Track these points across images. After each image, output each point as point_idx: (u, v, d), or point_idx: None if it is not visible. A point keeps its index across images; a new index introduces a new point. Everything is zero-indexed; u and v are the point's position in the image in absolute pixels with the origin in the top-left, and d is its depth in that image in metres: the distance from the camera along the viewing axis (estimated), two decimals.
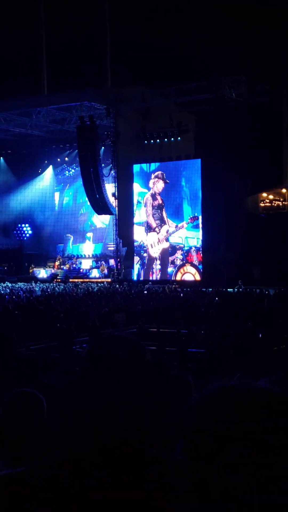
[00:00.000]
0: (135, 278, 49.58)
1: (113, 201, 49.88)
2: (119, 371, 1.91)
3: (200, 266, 46.90)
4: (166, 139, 48.23)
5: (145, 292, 38.04)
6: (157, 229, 49.22)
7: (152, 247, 49.35)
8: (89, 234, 59.21)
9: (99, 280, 49.40)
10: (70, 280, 50.69)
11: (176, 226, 48.45)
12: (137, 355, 1.97)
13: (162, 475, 1.90)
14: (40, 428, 3.56)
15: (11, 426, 3.51)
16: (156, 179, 49.54)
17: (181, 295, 35.68)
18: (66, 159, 59.01)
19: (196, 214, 47.37)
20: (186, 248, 47.85)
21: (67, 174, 60.32)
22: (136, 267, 50.30)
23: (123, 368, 1.92)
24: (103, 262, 52.94)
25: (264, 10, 51.75)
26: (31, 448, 3.39)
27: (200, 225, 46.92)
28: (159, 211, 49.34)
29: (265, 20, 51.59)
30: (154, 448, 1.99)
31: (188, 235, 47.89)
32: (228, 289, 37.91)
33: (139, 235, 50.17)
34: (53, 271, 54.61)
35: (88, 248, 58.35)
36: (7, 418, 3.55)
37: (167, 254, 48.71)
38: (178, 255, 48.32)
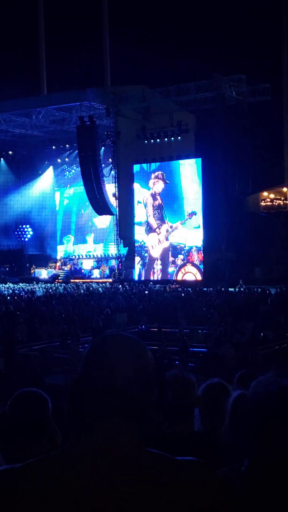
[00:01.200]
0: (136, 278, 49.55)
1: (113, 202, 49.82)
2: (121, 368, 1.92)
3: (201, 266, 46.82)
4: (166, 139, 48.07)
5: (146, 292, 37.99)
6: (157, 230, 49.12)
7: (153, 248, 49.26)
8: (90, 235, 59.25)
9: (100, 280, 49.35)
10: (72, 280, 50.65)
11: (171, 227, 48.38)
12: (138, 352, 1.98)
13: (164, 474, 1.90)
14: (44, 428, 3.57)
15: (16, 425, 3.52)
16: (156, 179, 49.45)
17: (182, 295, 35.66)
18: (66, 159, 58.93)
19: (193, 211, 47.27)
20: (186, 248, 47.71)
21: (67, 175, 60.26)
22: (137, 267, 50.26)
23: (124, 365, 1.92)
24: (103, 263, 52.90)
25: (265, 9, 51.87)
26: (35, 448, 3.40)
27: (201, 225, 46.80)
28: (159, 211, 49.27)
29: (266, 18, 51.71)
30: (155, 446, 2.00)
31: (189, 235, 47.75)
32: (229, 289, 37.86)
33: (139, 235, 50.12)
34: (54, 271, 54.64)
35: (89, 248, 58.38)
36: (12, 417, 3.56)
37: (167, 254, 48.62)
38: (179, 258, 48.25)
